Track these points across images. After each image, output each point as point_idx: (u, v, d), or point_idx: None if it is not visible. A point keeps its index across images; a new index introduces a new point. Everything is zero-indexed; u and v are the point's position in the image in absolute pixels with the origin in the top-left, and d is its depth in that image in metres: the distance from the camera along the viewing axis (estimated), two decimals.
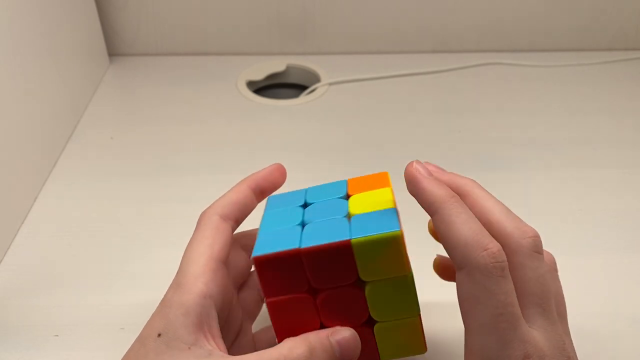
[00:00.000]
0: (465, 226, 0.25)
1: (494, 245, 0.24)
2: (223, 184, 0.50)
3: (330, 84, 0.64)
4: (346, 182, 0.32)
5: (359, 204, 0.29)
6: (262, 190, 0.33)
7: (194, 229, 0.45)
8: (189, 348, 0.25)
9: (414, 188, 0.27)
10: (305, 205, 0.31)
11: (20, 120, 0.46)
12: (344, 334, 0.27)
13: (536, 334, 0.24)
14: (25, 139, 0.47)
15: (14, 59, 0.46)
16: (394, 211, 0.28)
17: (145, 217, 0.46)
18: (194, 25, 0.67)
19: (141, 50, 0.68)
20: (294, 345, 0.26)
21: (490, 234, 0.25)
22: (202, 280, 0.27)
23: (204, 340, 0.26)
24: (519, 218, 0.27)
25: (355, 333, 0.27)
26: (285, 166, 0.52)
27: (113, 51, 0.68)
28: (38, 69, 0.49)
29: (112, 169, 0.51)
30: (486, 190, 0.28)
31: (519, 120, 0.59)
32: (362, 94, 0.63)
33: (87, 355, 0.36)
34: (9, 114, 0.45)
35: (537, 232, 0.26)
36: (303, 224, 0.29)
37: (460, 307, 0.25)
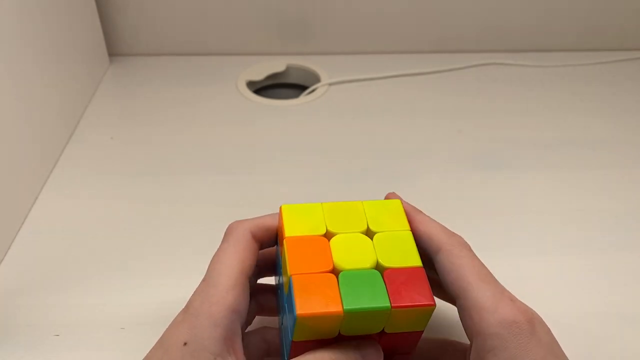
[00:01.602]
0: (432, 223, 0.30)
1: (456, 235, 0.29)
2: (223, 184, 0.50)
3: (330, 84, 0.64)
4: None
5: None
6: None
7: (194, 228, 0.46)
8: (215, 359, 0.25)
9: (416, 235, 0.30)
10: None
11: (20, 120, 0.46)
12: (369, 349, 0.27)
13: None
14: (26, 139, 0.47)
15: (14, 58, 0.46)
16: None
17: (145, 217, 0.46)
18: (194, 25, 0.67)
19: (141, 50, 0.68)
20: (315, 358, 0.26)
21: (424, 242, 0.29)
22: (232, 294, 0.27)
23: (227, 354, 0.25)
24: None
25: (379, 346, 0.27)
26: (285, 166, 0.53)
27: (113, 51, 0.68)
28: (38, 69, 0.49)
29: (112, 169, 0.51)
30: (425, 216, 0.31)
31: (519, 120, 0.59)
32: (362, 94, 0.63)
33: (87, 355, 0.36)
34: (9, 114, 0.45)
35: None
36: None
37: (445, 279, 0.28)
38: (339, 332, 0.27)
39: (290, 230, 0.29)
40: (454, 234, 0.29)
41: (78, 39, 0.58)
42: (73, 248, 0.43)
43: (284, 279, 0.28)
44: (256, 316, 0.33)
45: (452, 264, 0.27)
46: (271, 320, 0.34)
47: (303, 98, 0.63)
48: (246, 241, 0.29)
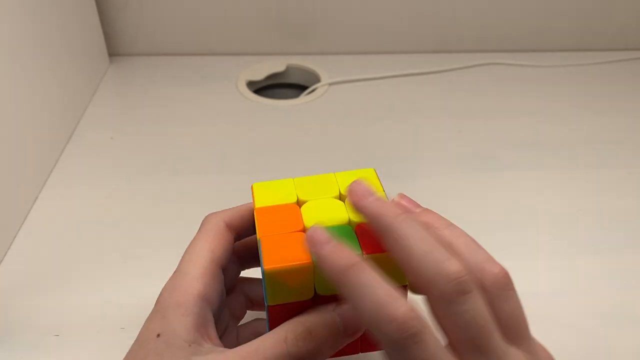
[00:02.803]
0: (367, 300, 0.22)
1: (400, 313, 0.21)
2: (223, 183, 0.50)
3: (330, 84, 0.64)
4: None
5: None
6: None
7: (194, 228, 0.45)
8: (189, 345, 0.25)
9: (317, 263, 0.25)
10: None
11: (20, 121, 0.46)
12: (344, 308, 0.26)
13: None
14: (26, 139, 0.47)
15: (14, 59, 0.46)
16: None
17: (145, 217, 0.46)
18: (194, 25, 0.67)
19: (141, 50, 0.68)
20: (292, 326, 0.25)
21: (411, 278, 0.24)
22: (201, 282, 0.27)
23: (202, 340, 0.26)
24: (444, 254, 0.23)
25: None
26: (285, 166, 0.53)
27: (113, 51, 0.68)
28: (38, 69, 0.49)
29: (112, 169, 0.51)
30: (412, 223, 0.24)
31: (519, 120, 0.59)
32: (362, 94, 0.63)
33: (87, 355, 0.36)
34: (9, 114, 0.45)
35: (460, 269, 0.23)
36: None
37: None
38: (315, 292, 0.26)
39: (261, 202, 0.29)
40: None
41: (78, 39, 0.58)
42: (73, 248, 0.43)
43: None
44: (247, 311, 0.33)
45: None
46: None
47: (303, 98, 0.63)
48: (217, 230, 0.29)
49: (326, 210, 0.28)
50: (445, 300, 0.23)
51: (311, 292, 0.27)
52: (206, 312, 0.27)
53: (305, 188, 0.29)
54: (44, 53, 0.51)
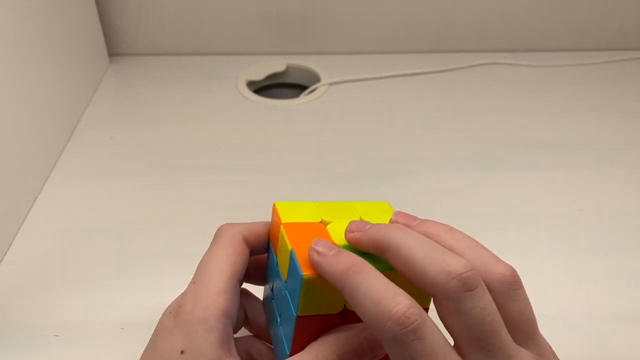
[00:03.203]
0: (366, 298, 0.22)
1: (398, 308, 0.21)
2: (223, 184, 0.50)
3: (330, 84, 0.64)
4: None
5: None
6: None
7: (194, 228, 0.45)
8: None
9: (319, 272, 0.25)
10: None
11: (20, 120, 0.46)
12: (371, 330, 0.26)
13: None
14: (26, 139, 0.47)
15: (14, 59, 0.46)
16: (293, 254, 0.27)
17: (145, 217, 0.46)
18: (194, 25, 0.67)
19: (141, 50, 0.68)
20: (324, 347, 0.25)
21: (418, 285, 0.23)
22: (224, 297, 0.26)
23: (226, 357, 0.25)
24: (445, 253, 0.23)
25: None
26: (285, 166, 0.53)
27: (113, 51, 0.68)
28: (38, 69, 0.49)
29: (112, 169, 0.51)
30: (408, 232, 0.24)
31: (519, 120, 0.59)
32: (362, 94, 0.63)
33: (87, 355, 0.36)
34: (9, 114, 0.45)
35: (464, 265, 0.22)
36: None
37: None
38: (344, 307, 0.26)
39: (286, 218, 0.29)
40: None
41: (78, 39, 0.58)
42: (73, 248, 0.43)
43: (279, 260, 0.28)
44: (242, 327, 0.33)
45: None
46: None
47: (303, 98, 0.63)
48: (237, 243, 0.29)
49: None
50: (450, 299, 0.22)
51: (341, 305, 0.26)
52: (228, 328, 0.26)
53: (327, 211, 0.30)
54: (44, 53, 0.51)
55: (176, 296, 0.29)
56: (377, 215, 0.30)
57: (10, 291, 0.40)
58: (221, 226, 0.30)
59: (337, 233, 0.28)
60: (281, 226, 0.28)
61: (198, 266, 0.28)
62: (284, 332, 0.27)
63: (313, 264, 0.25)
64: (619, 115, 0.60)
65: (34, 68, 0.49)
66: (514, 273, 0.24)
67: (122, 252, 0.43)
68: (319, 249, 0.25)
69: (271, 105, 0.61)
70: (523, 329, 0.24)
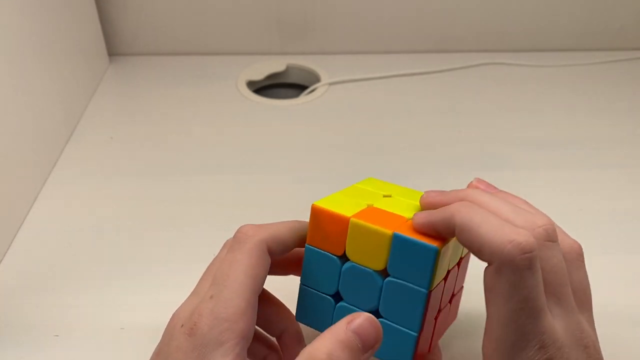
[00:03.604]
0: (484, 226, 0.24)
1: (519, 236, 0.23)
2: (223, 184, 0.50)
3: (330, 84, 0.64)
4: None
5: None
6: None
7: (194, 228, 0.45)
8: None
9: (429, 230, 0.26)
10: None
11: (20, 120, 0.46)
12: (358, 321, 0.25)
13: (555, 324, 0.24)
14: (25, 139, 0.47)
15: (14, 59, 0.46)
16: (413, 341, 0.27)
17: (145, 217, 0.46)
18: (194, 25, 0.67)
19: (141, 50, 0.68)
20: (310, 356, 0.24)
21: (502, 233, 0.25)
22: (244, 320, 0.25)
23: None
24: (528, 209, 0.27)
25: (371, 316, 0.25)
26: (285, 166, 0.53)
27: (113, 51, 0.68)
28: (38, 69, 0.49)
29: (112, 169, 0.51)
30: (487, 193, 0.28)
31: (519, 120, 0.59)
32: (362, 94, 0.63)
33: (87, 355, 0.36)
34: (9, 114, 0.45)
35: (547, 220, 0.25)
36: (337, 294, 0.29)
37: (484, 294, 0.25)
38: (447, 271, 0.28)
39: (347, 212, 0.27)
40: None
41: (78, 39, 0.58)
42: (73, 248, 0.43)
43: (358, 256, 0.27)
44: None
45: None
46: None
47: (303, 98, 0.63)
48: (261, 254, 0.27)
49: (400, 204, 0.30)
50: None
51: (445, 271, 0.28)
52: (244, 351, 0.25)
53: (362, 195, 0.31)
54: (44, 53, 0.51)
55: (177, 296, 0.29)
56: (407, 195, 0.31)
57: (10, 291, 0.40)
58: (243, 228, 0.28)
59: (397, 209, 0.29)
60: (351, 221, 0.27)
61: (216, 274, 0.27)
62: (397, 321, 0.27)
63: (420, 225, 0.26)
64: (619, 115, 0.60)
65: (33, 68, 0.49)
66: (581, 248, 0.28)
67: (122, 252, 0.43)
68: (419, 215, 0.26)
69: (271, 105, 0.61)
70: (580, 296, 0.26)
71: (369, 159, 0.53)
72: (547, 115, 0.60)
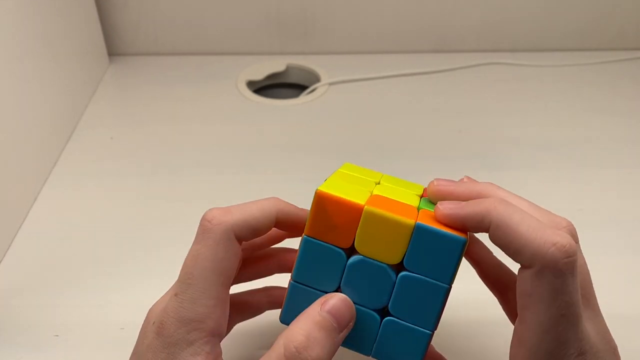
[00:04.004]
0: (523, 226, 0.23)
1: (562, 238, 0.22)
2: (223, 184, 0.50)
3: (330, 84, 0.64)
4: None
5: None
6: (281, 233, 0.31)
7: (194, 228, 0.45)
8: None
9: (455, 223, 0.25)
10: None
11: (20, 120, 0.46)
12: (332, 302, 0.24)
13: (588, 327, 0.24)
14: (25, 139, 0.47)
15: (13, 59, 0.46)
16: (426, 339, 0.26)
17: (145, 217, 0.46)
18: (194, 25, 0.67)
19: (141, 50, 0.68)
20: (287, 339, 0.24)
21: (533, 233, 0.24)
22: (213, 317, 0.24)
23: None
24: (546, 210, 0.26)
25: (343, 295, 0.25)
26: (285, 166, 0.53)
27: (113, 51, 0.68)
28: (38, 69, 0.49)
29: (112, 169, 0.51)
30: (504, 190, 0.27)
31: (519, 120, 0.59)
32: (362, 94, 0.63)
33: (87, 355, 0.36)
34: (9, 114, 0.45)
35: (568, 221, 0.25)
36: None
37: (518, 299, 0.24)
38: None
39: (359, 200, 0.25)
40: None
41: (78, 39, 0.58)
42: (73, 248, 0.43)
43: (371, 249, 0.25)
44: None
45: None
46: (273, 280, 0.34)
47: (303, 98, 0.63)
48: (228, 246, 0.25)
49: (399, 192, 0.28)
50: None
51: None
52: (216, 348, 0.25)
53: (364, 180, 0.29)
54: (44, 53, 0.51)
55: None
56: (394, 182, 0.29)
57: (10, 291, 0.40)
58: (208, 214, 0.26)
59: (400, 198, 0.27)
60: (366, 210, 0.24)
61: (181, 269, 0.25)
62: (409, 319, 0.25)
63: (449, 217, 0.24)
64: (619, 115, 0.60)
65: (33, 68, 0.49)
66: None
67: (122, 252, 0.43)
68: (446, 205, 0.25)
69: (271, 105, 0.61)
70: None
71: (369, 159, 0.53)
72: (547, 115, 0.60)
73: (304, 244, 0.26)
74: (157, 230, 0.45)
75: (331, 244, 0.25)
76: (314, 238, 0.25)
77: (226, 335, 0.28)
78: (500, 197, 0.25)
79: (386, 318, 0.25)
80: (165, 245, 0.43)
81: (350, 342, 0.26)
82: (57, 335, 0.37)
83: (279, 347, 0.23)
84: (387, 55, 0.69)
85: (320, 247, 0.25)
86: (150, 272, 0.41)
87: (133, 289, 0.40)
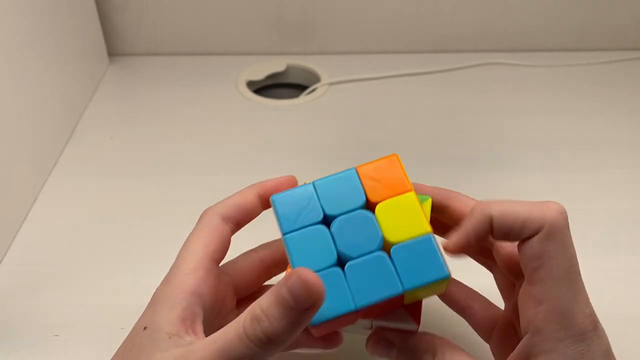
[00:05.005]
0: (517, 207, 0.27)
1: (553, 203, 0.26)
2: (223, 184, 0.50)
3: (330, 84, 0.64)
4: (356, 174, 0.32)
5: (390, 225, 0.28)
6: (268, 199, 0.32)
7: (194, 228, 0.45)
8: (170, 337, 0.25)
9: (469, 243, 0.28)
10: (326, 221, 0.29)
11: (20, 121, 0.46)
12: (292, 279, 0.23)
13: None
14: (25, 139, 0.47)
15: (13, 59, 0.46)
16: (432, 241, 0.27)
17: (145, 217, 0.46)
18: (194, 25, 0.67)
19: (141, 50, 0.68)
20: (252, 308, 0.24)
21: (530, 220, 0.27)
22: (192, 277, 0.27)
23: (184, 332, 0.26)
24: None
25: (306, 274, 0.23)
26: (285, 166, 0.53)
27: (113, 51, 0.68)
28: (38, 69, 0.49)
29: (112, 169, 0.51)
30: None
31: (519, 120, 0.59)
32: (362, 94, 0.63)
33: (87, 355, 0.36)
34: (9, 114, 0.45)
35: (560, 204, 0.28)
36: (340, 261, 0.27)
37: (527, 265, 0.26)
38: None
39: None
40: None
41: (78, 39, 0.58)
42: (73, 248, 0.43)
43: (393, 222, 0.28)
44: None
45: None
46: None
47: (303, 98, 0.63)
48: (213, 225, 0.29)
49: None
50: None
51: None
52: (195, 307, 0.27)
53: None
54: (44, 53, 0.51)
55: None
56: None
57: (10, 291, 0.40)
58: (203, 211, 0.31)
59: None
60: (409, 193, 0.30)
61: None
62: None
63: (459, 245, 0.28)
64: (619, 115, 0.60)
65: (33, 68, 0.49)
66: None
67: (122, 251, 0.43)
68: (454, 240, 0.28)
69: (271, 105, 0.61)
70: None
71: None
72: (547, 115, 0.60)
73: (286, 240, 0.28)
74: (157, 230, 0.45)
75: (310, 224, 0.28)
76: (294, 229, 0.28)
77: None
78: (480, 201, 0.29)
79: (393, 247, 0.27)
80: (165, 245, 0.43)
81: (361, 294, 0.27)
82: (57, 335, 0.37)
83: (246, 314, 0.24)
84: (387, 55, 0.69)
85: (301, 234, 0.28)
86: (150, 272, 0.41)
87: (133, 289, 0.40)
